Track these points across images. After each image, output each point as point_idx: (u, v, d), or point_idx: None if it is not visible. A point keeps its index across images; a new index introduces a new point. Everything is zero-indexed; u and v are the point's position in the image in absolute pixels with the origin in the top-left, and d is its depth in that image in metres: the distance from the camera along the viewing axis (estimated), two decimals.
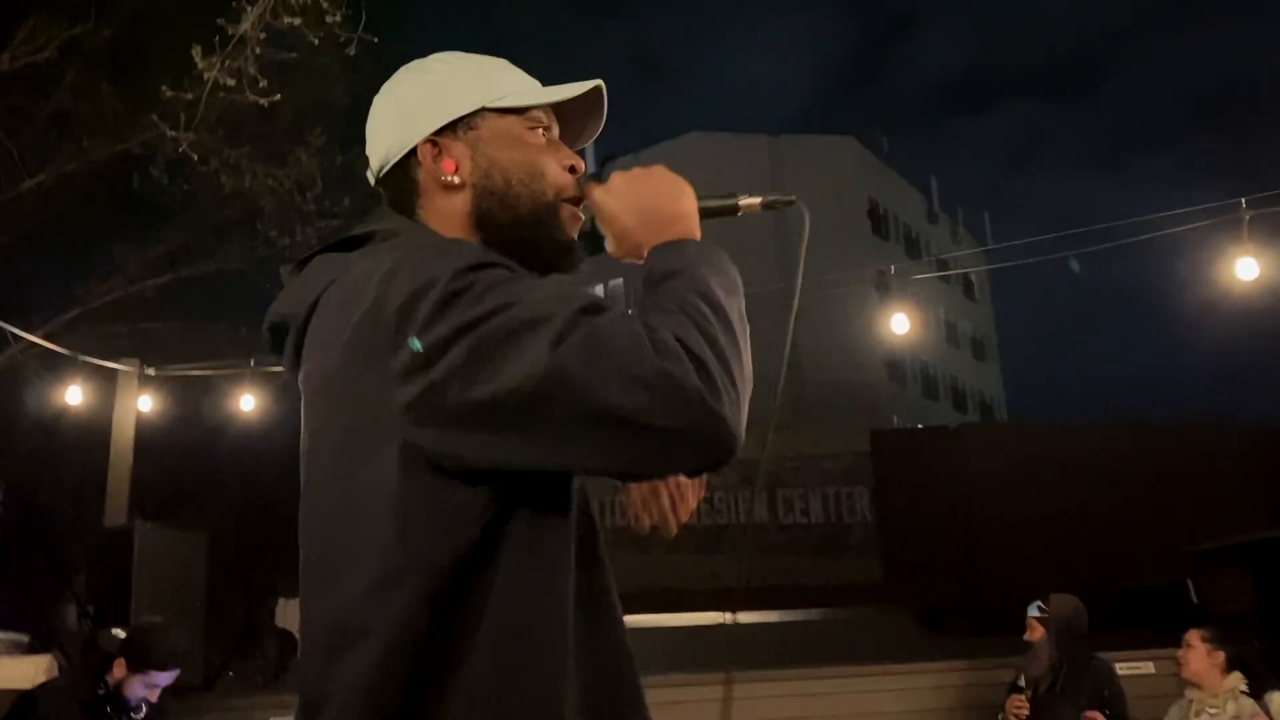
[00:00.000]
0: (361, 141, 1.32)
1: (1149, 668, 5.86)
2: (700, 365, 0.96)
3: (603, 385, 0.94)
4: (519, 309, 0.98)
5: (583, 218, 1.28)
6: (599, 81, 1.28)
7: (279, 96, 6.03)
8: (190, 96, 5.58)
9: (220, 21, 5.31)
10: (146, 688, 3.81)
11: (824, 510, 14.14)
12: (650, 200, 1.21)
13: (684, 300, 1.03)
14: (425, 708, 0.99)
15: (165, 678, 3.85)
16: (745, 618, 11.26)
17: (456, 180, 1.22)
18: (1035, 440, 14.09)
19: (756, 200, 1.31)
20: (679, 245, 1.15)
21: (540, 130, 1.26)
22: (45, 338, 9.82)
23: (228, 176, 9.55)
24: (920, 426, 27.08)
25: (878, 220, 34.74)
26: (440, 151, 1.23)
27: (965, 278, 38.44)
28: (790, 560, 13.38)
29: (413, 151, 1.24)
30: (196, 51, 5.41)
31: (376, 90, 1.32)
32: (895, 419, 30.61)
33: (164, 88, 5.77)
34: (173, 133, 5.90)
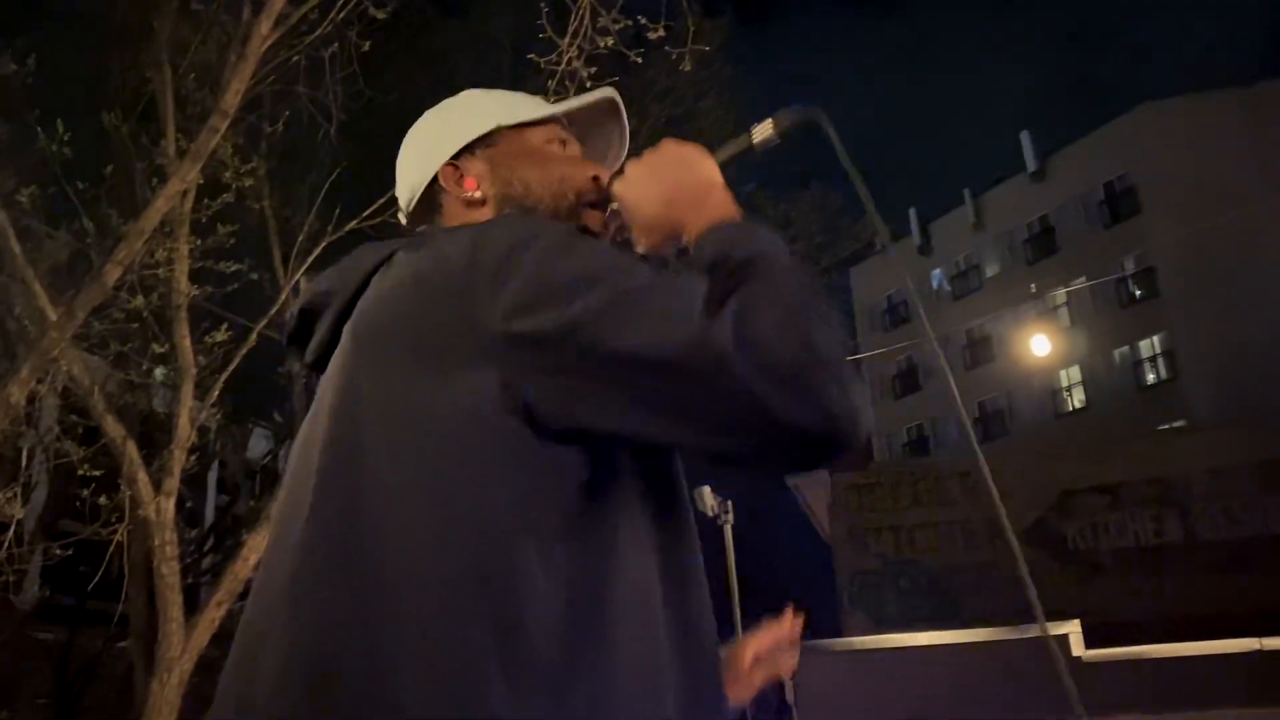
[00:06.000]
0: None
1: None
2: (830, 360, 0.88)
3: (748, 369, 0.86)
4: (649, 271, 0.93)
5: (610, 223, 1.20)
6: (610, 91, 1.27)
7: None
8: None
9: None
10: None
11: None
12: (671, 177, 1.13)
13: (788, 290, 0.92)
14: (493, 683, 0.83)
15: None
16: None
17: (479, 195, 1.19)
18: None
19: (768, 128, 1.22)
20: (739, 227, 1.04)
21: (558, 143, 1.24)
22: None
23: None
24: None
25: None
26: (461, 173, 1.21)
27: None
28: None
29: (436, 178, 1.22)
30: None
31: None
32: None
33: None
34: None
